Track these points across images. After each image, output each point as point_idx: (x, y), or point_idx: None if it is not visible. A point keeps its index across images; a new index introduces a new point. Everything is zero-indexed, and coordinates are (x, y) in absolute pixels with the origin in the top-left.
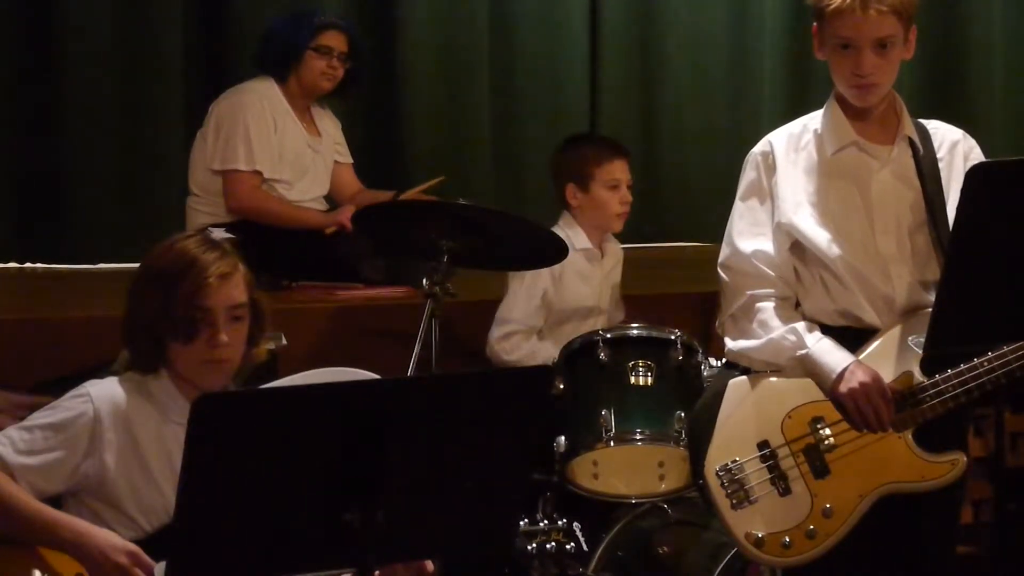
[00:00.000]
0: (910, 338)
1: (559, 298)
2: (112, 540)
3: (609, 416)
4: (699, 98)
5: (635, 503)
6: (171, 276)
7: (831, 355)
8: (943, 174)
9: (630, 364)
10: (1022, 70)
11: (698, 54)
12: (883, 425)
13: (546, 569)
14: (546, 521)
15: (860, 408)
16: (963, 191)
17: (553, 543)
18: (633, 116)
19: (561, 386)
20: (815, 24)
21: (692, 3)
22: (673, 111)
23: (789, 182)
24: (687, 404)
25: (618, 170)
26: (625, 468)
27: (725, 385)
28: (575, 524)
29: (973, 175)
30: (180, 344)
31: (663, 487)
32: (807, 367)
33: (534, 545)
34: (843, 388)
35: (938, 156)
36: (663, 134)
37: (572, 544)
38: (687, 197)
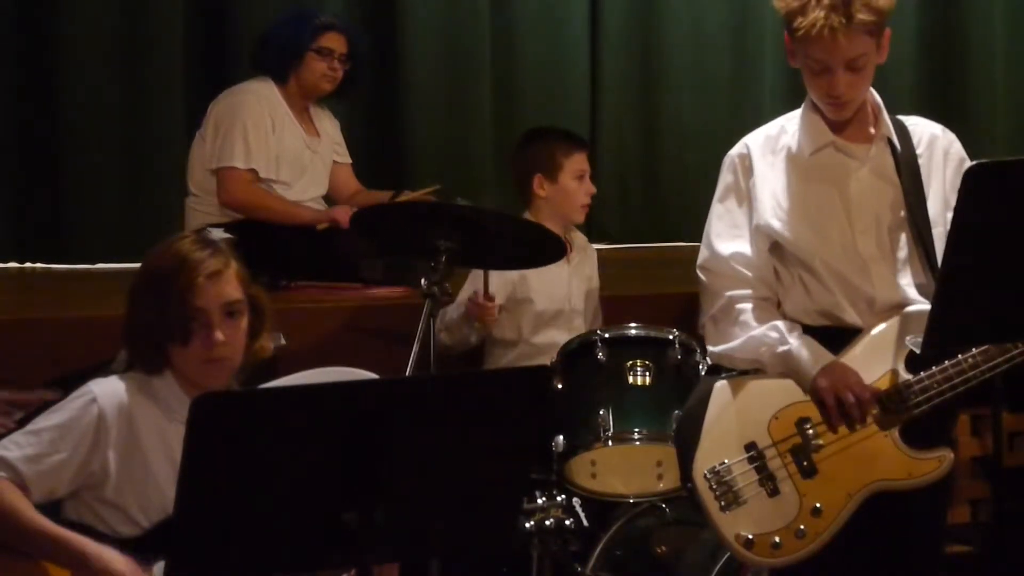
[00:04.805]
0: (908, 338)
1: (528, 303)
2: (108, 560)
3: (607, 416)
4: (699, 98)
5: (633, 502)
6: (163, 277)
7: (812, 352)
8: (923, 170)
9: (628, 364)
10: (1022, 68)
11: (698, 54)
12: (862, 417)
13: (546, 546)
14: (544, 498)
15: (840, 399)
16: (961, 191)
17: (552, 520)
18: (633, 116)
19: (559, 386)
20: (787, 33)
21: (692, 3)
22: (673, 111)
23: (767, 184)
24: (685, 404)
25: (583, 161)
26: (623, 468)
27: (711, 389)
28: (575, 499)
29: (971, 175)
30: (178, 345)
31: (661, 486)
32: (788, 364)
33: (533, 523)
34: (823, 382)
35: (917, 152)
36: (663, 134)
37: (572, 520)
38: (687, 197)
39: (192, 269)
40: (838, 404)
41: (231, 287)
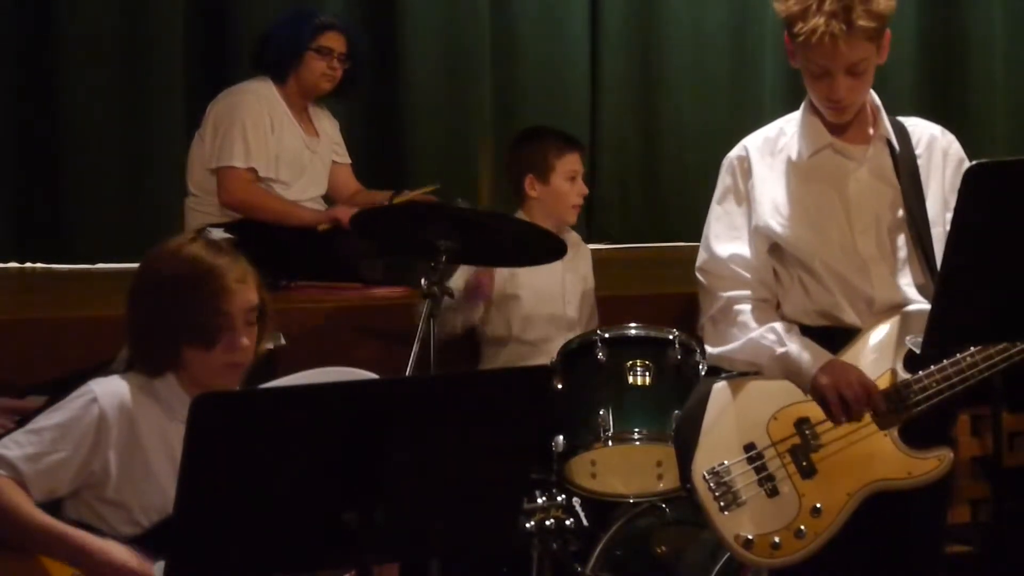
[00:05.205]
0: (908, 338)
1: (515, 299)
2: (111, 552)
3: (607, 416)
4: (699, 98)
5: (633, 502)
6: (187, 283)
7: (810, 352)
8: (922, 171)
9: (628, 364)
10: (1022, 68)
11: (698, 54)
12: (861, 413)
13: (546, 546)
14: (545, 498)
15: (843, 394)
16: (961, 191)
17: (552, 520)
18: (633, 116)
19: (559, 386)
20: (787, 35)
21: (692, 3)
22: (673, 111)
23: (766, 186)
24: (685, 405)
25: (576, 162)
26: (623, 468)
27: (710, 390)
28: (575, 499)
29: (971, 175)
30: (198, 349)
31: (661, 486)
32: (786, 365)
33: (533, 523)
34: (824, 379)
35: (916, 153)
36: (663, 134)
37: (572, 520)
38: (687, 197)
39: (221, 275)
40: (840, 400)
41: (253, 292)
